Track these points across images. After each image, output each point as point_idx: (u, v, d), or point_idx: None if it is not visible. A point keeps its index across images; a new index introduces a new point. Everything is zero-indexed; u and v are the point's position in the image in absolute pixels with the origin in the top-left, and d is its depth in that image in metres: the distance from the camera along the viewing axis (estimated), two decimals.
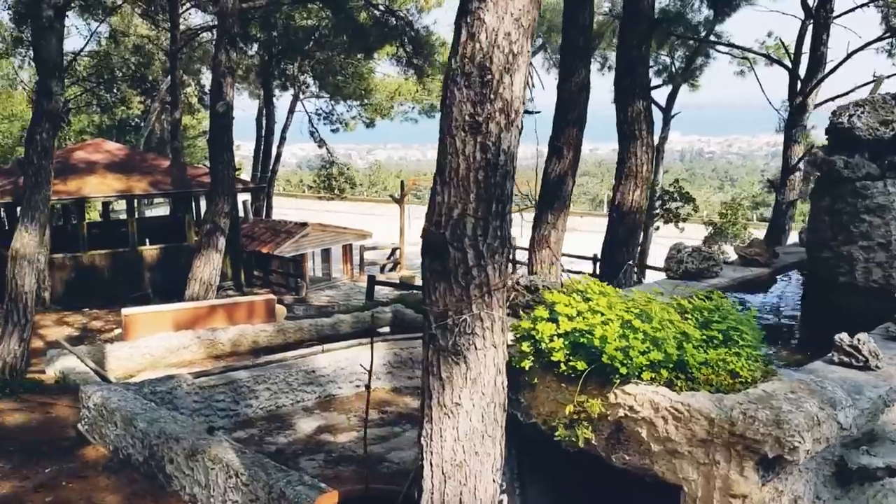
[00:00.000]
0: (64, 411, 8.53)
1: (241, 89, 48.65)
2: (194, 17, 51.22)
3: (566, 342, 3.36)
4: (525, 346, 3.52)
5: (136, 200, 20.51)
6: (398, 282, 24.59)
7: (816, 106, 18.84)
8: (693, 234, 25.96)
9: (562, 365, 3.37)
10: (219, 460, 5.54)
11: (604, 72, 26.79)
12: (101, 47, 37.47)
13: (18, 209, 20.19)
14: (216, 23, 32.82)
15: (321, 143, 37.59)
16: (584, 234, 45.51)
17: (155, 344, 11.94)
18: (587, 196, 68.61)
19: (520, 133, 3.20)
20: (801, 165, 18.72)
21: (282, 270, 22.61)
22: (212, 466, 5.59)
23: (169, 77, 35.02)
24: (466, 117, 3.07)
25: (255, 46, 35.49)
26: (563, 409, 3.42)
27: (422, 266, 3.30)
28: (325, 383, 8.71)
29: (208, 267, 16.60)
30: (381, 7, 20.88)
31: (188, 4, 30.98)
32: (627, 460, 3.35)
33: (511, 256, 22.89)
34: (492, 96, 3.05)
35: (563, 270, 10.64)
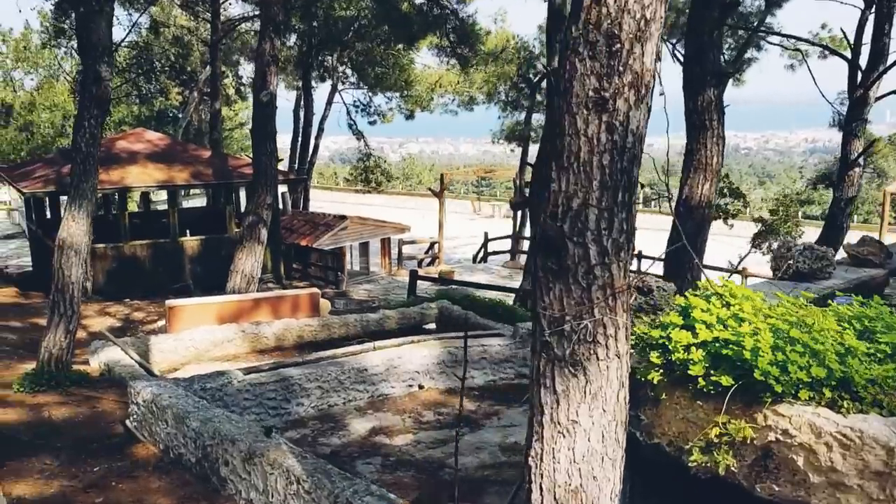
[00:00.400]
0: (110, 406, 8.30)
1: (279, 80, 48.64)
2: (234, 8, 51.10)
3: (705, 354, 2.95)
4: (654, 357, 3.12)
5: (177, 191, 20.37)
6: (437, 276, 24.27)
7: (877, 99, 18.07)
8: (742, 232, 25.25)
9: (700, 380, 2.97)
10: (278, 465, 5.22)
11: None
12: (140, 38, 37.66)
13: (62, 198, 20.21)
14: (257, 12, 32.81)
15: (359, 135, 37.39)
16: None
17: (199, 337, 11.72)
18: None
19: (649, 112, 2.79)
20: (861, 161, 18.03)
21: (321, 263, 22.39)
22: (271, 471, 5.27)
23: (208, 68, 35.07)
24: (590, 93, 2.67)
25: (294, 37, 35.41)
26: (695, 430, 3.02)
27: (532, 264, 2.92)
28: (377, 382, 8.38)
29: (251, 259, 16.42)
30: None
31: None
32: (776, 491, 2.93)
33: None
34: (620, 68, 2.65)
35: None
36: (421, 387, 8.59)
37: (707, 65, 8.83)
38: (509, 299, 15.57)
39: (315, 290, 13.41)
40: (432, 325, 13.46)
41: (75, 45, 35.65)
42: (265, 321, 12.39)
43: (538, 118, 29.13)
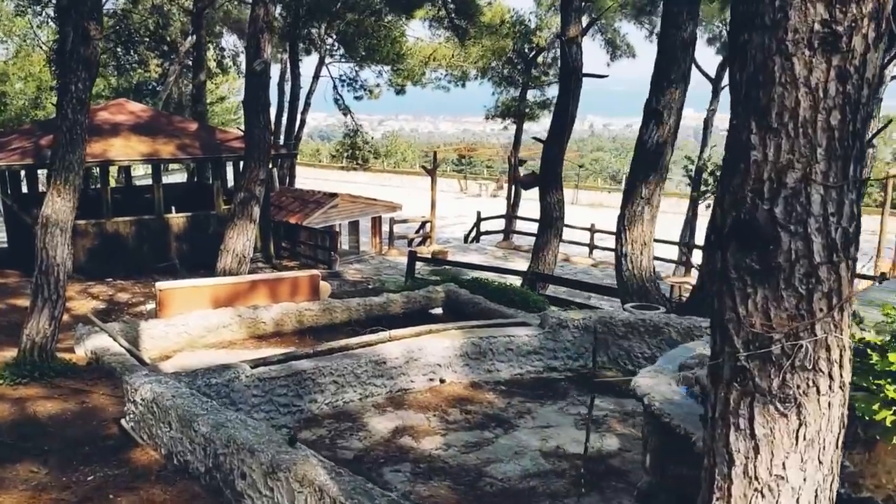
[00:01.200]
0: (101, 401, 7.51)
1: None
2: None
3: None
4: (891, 390, 2.42)
5: (161, 165, 19.41)
6: (430, 256, 23.56)
7: (893, 78, 17.46)
8: None
9: None
10: (308, 482, 4.48)
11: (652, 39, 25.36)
12: (118, 5, 36.28)
13: (41, 172, 19.16)
14: None
15: (346, 110, 36.38)
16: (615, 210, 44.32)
17: (193, 322, 10.92)
18: (607, 172, 67.05)
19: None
20: (875, 142, 17.46)
21: (312, 242, 21.55)
22: (299, 489, 4.54)
23: (189, 38, 33.86)
24: (816, 26, 1.93)
25: (279, 7, 34.19)
26: None
27: (708, 258, 2.19)
28: (395, 376, 7.66)
29: (242, 238, 15.56)
30: None
31: None
32: None
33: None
34: None
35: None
36: (442, 381, 7.88)
37: None
38: (506, 280, 14.87)
39: (315, 272, 12.62)
40: (438, 310, 12.74)
41: (52, 13, 34.30)
42: (263, 305, 11.59)
43: (534, 94, 28.37)
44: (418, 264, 24.70)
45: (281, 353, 7.90)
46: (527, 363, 8.13)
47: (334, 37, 30.44)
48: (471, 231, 29.88)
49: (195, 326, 10.93)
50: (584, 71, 13.50)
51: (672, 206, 43.96)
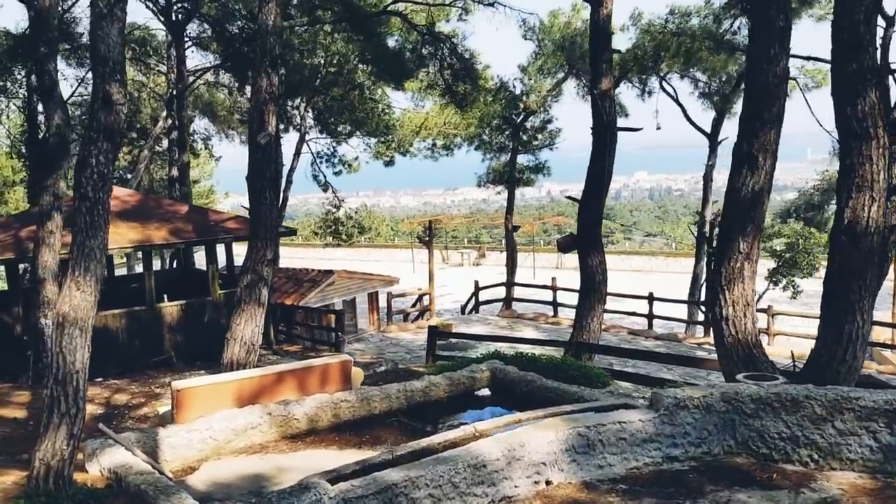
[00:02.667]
0: None
1: (234, 135, 46.70)
2: (190, 59, 49.12)
3: None
4: None
5: (152, 252, 18.10)
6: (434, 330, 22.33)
7: None
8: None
9: None
10: None
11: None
12: (87, 94, 35.29)
13: (22, 266, 17.68)
14: (217, 62, 30.82)
15: (326, 186, 35.60)
16: (630, 273, 43.44)
17: (217, 425, 9.55)
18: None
19: None
20: None
21: (314, 324, 20.22)
22: None
23: (160, 123, 32.95)
24: None
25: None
26: None
27: None
28: (497, 481, 6.39)
29: (250, 324, 14.29)
30: (422, 28, 18.87)
31: (188, 43, 28.90)
32: None
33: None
34: None
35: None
36: (549, 482, 6.62)
37: (865, 59, 7.30)
38: (544, 353, 13.69)
39: (346, 356, 11.33)
40: (485, 391, 11.50)
41: (16, 104, 33.12)
42: (294, 399, 10.26)
43: (527, 158, 27.76)
44: (423, 339, 23.46)
45: (354, 462, 6.59)
46: (642, 454, 6.92)
47: (316, 112, 29.70)
48: (468, 301, 28.75)
49: (221, 430, 9.55)
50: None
51: (659, 264, 43.48)
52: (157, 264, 39.97)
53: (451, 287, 40.56)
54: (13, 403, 13.24)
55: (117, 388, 14.42)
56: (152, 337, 17.18)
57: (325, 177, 34.53)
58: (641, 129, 13.68)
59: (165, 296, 17.78)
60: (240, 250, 34.63)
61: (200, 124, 43.38)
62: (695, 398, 6.98)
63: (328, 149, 35.98)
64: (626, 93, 25.29)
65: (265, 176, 14.31)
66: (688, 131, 26.04)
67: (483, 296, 29.17)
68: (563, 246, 13.86)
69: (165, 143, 42.54)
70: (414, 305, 27.81)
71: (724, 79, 24.44)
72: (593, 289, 13.27)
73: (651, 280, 39.99)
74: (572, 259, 49.56)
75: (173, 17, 24.34)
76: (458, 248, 53.38)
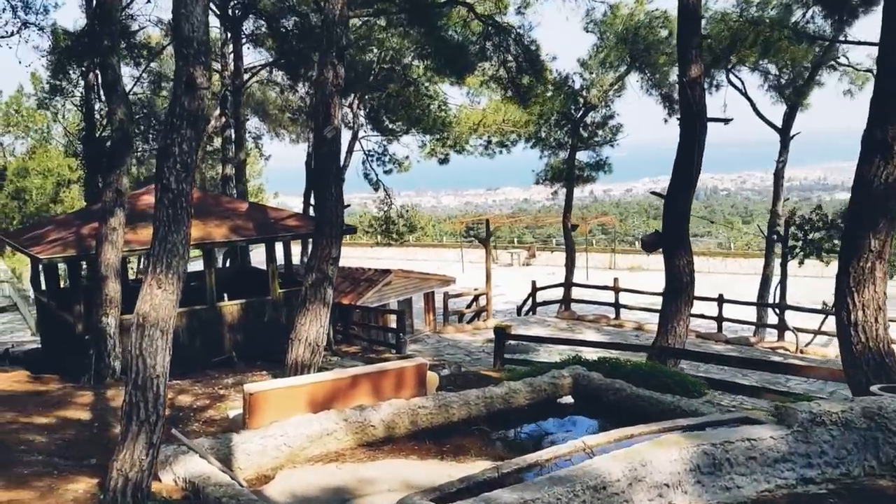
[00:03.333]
0: None
1: (284, 134, 46.66)
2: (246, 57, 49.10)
3: None
4: None
5: (214, 250, 17.78)
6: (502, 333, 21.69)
7: None
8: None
9: None
10: None
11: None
12: (142, 93, 35.42)
13: (84, 265, 17.46)
14: (271, 59, 30.59)
15: (377, 185, 35.28)
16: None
17: (293, 431, 9.07)
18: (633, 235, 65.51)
19: None
20: None
21: (373, 324, 19.74)
22: None
23: (214, 121, 32.88)
24: None
25: (305, 86, 33.27)
26: None
27: None
28: None
29: (315, 325, 13.86)
30: (487, 19, 18.23)
31: (243, 39, 28.71)
32: None
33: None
34: None
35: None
36: None
37: None
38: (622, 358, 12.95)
39: (422, 360, 10.78)
40: (567, 399, 10.84)
41: (74, 102, 33.35)
42: (369, 405, 9.72)
43: (588, 154, 26.95)
44: (481, 341, 22.85)
45: (458, 480, 6.00)
46: (774, 475, 6.21)
47: (368, 109, 29.30)
48: (524, 302, 28.03)
49: (296, 436, 9.07)
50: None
51: (718, 264, 42.09)
52: (197, 264, 40.07)
53: (503, 287, 39.84)
54: (76, 404, 12.96)
55: (180, 389, 14.06)
56: (213, 336, 16.87)
57: (376, 175, 34.18)
58: (731, 119, 12.88)
59: (225, 294, 17.45)
60: (296, 249, 34.27)
61: (251, 123, 43.41)
62: (833, 413, 6.25)
63: (379, 147, 35.61)
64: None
65: (331, 171, 13.86)
66: (734, 129, 25.13)
67: (539, 297, 28.46)
68: (648, 244, 13.12)
69: (217, 141, 42.64)
70: (469, 306, 27.20)
71: (796, 71, 23.36)
72: (681, 290, 12.49)
73: (708, 281, 38.79)
74: (624, 259, 48.27)
75: (229, 13, 24.09)
76: (508, 248, 52.60)
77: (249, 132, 42.98)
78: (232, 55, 24.76)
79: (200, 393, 13.67)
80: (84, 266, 17.49)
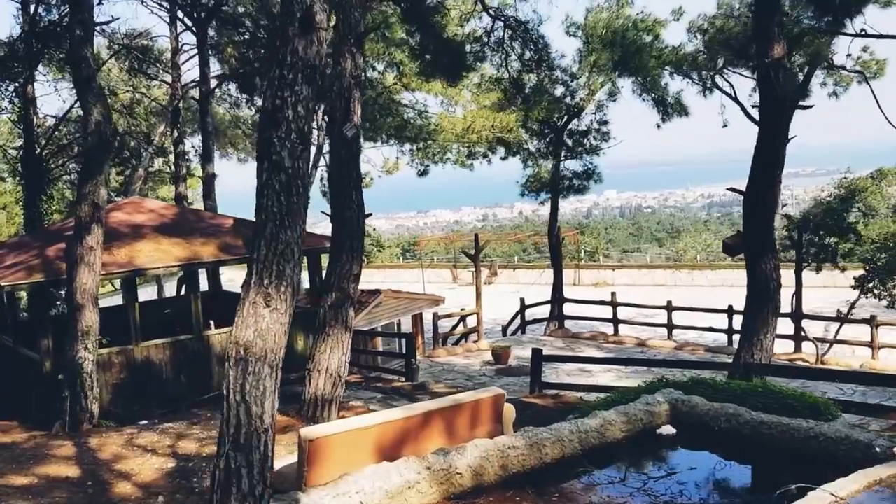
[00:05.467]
0: None
1: (232, 154, 44.29)
2: (190, 71, 46.62)
3: None
4: None
5: (198, 272, 15.70)
6: (540, 355, 20.17)
7: None
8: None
9: None
10: None
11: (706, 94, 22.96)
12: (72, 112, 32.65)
13: (57, 289, 15.07)
14: (230, 70, 28.48)
15: None
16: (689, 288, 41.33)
17: (368, 486, 7.24)
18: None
19: None
20: None
21: (368, 349, 17.91)
22: None
23: (156, 136, 30.70)
24: None
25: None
26: None
27: None
28: None
29: (337, 352, 12.09)
30: (492, 11, 16.78)
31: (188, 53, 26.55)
32: None
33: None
34: None
35: None
36: None
37: None
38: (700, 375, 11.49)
39: (499, 390, 9.08)
40: (668, 430, 9.27)
41: (9, 118, 30.50)
42: (452, 449, 7.98)
43: (573, 164, 25.73)
44: (478, 364, 21.21)
45: None
46: None
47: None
48: (511, 321, 26.52)
49: (373, 492, 7.23)
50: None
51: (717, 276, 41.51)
52: (147, 293, 37.17)
53: (469, 306, 38.34)
54: (56, 458, 10.78)
55: (176, 433, 11.98)
56: (199, 370, 14.81)
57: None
58: (813, 106, 11.74)
59: (212, 322, 15.39)
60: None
61: (193, 141, 40.92)
62: None
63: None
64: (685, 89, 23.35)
65: (351, 176, 12.14)
66: (652, 149, 24.41)
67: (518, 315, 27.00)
68: (732, 247, 11.78)
69: (157, 162, 39.92)
70: (455, 327, 25.54)
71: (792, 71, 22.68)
72: (768, 298, 11.15)
73: (678, 293, 38.14)
74: (589, 274, 47.08)
75: (194, 15, 22.08)
76: (468, 267, 51.15)
77: (194, 149, 40.60)
78: (197, 60, 22.67)
79: (204, 438, 11.62)
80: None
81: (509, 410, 9.17)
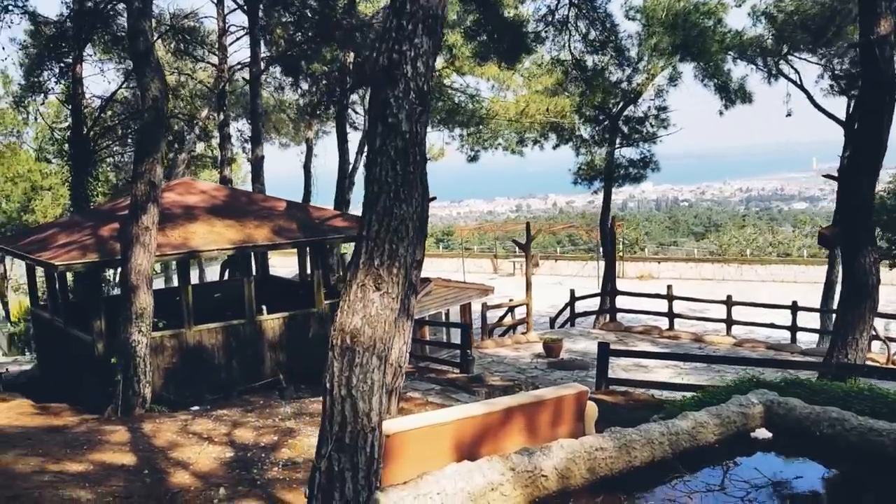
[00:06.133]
0: None
1: (274, 139, 44.05)
2: (237, 54, 46.41)
3: None
4: None
5: (252, 255, 15.30)
6: (607, 349, 19.54)
7: None
8: None
9: None
10: None
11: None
12: (124, 94, 32.53)
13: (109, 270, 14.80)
14: (283, 53, 28.09)
15: None
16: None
17: (450, 486, 6.63)
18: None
19: None
20: None
21: (422, 339, 17.41)
22: None
23: (201, 118, 30.46)
24: None
25: (309, 82, 30.84)
26: None
27: None
28: None
29: (398, 341, 11.51)
30: None
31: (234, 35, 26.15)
32: None
33: None
34: None
35: None
36: None
37: None
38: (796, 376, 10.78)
39: (582, 387, 8.49)
40: (763, 433, 8.58)
41: (58, 98, 30.49)
42: (537, 449, 7.41)
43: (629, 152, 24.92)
44: (528, 356, 20.61)
45: None
46: None
47: None
48: (560, 312, 25.86)
49: (454, 494, 6.62)
50: None
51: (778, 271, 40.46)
52: (196, 275, 37.01)
53: (512, 296, 37.74)
54: (111, 444, 10.42)
55: (233, 422, 11.56)
56: (252, 356, 14.41)
57: None
58: None
59: (264, 307, 14.99)
60: (276, 260, 31.50)
61: (236, 125, 40.71)
62: None
63: None
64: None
65: (417, 153, 11.52)
66: (689, 142, 23.45)
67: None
68: (830, 238, 11.03)
69: (199, 146, 39.78)
70: (503, 318, 24.93)
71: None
72: (865, 294, 10.37)
73: (727, 288, 37.14)
74: (632, 268, 46.11)
75: None
76: (509, 257, 50.50)
77: (239, 133, 40.48)
78: (244, 42, 22.30)
79: (261, 427, 11.20)
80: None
81: (592, 409, 8.57)
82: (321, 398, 12.56)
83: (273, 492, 8.36)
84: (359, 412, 3.96)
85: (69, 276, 15.68)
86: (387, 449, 7.30)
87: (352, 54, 25.56)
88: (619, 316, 25.22)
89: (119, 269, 13.66)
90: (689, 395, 13.03)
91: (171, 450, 10.10)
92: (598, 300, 26.27)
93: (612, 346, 21.71)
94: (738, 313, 22.25)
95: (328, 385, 4.10)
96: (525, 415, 8.03)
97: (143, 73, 11.94)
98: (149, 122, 11.93)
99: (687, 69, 22.93)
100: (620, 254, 46.60)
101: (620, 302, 25.41)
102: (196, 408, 13.00)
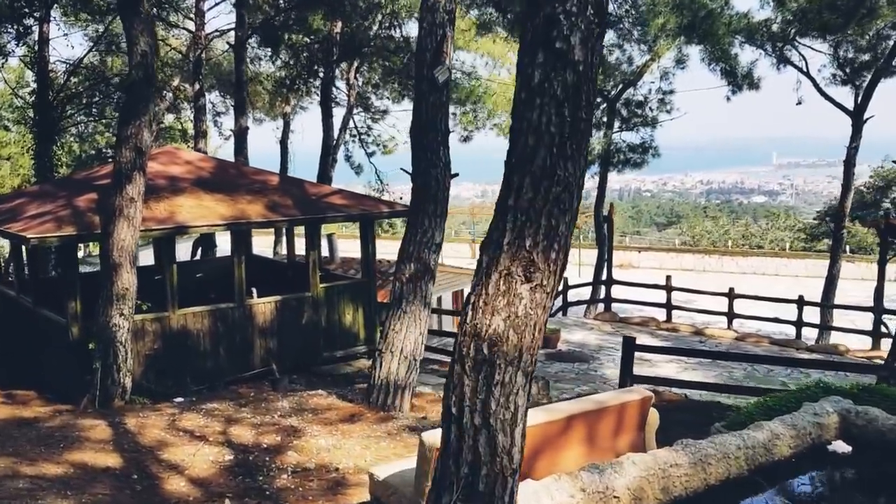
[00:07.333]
0: None
1: (248, 112, 42.38)
2: (214, 20, 44.54)
3: None
4: None
5: (241, 231, 14.03)
6: (632, 343, 18.46)
7: None
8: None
9: None
10: None
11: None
12: (93, 56, 30.65)
13: (109, 243, 13.47)
14: (266, 20, 26.55)
15: (358, 170, 32.15)
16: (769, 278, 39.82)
17: None
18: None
19: None
20: None
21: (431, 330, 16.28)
22: None
23: (168, 95, 28.87)
24: None
25: (286, 55, 29.43)
26: None
27: None
28: None
29: (413, 332, 10.52)
30: None
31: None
32: None
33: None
34: None
35: None
36: None
37: None
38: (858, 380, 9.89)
39: (647, 392, 7.47)
40: (840, 446, 7.70)
41: (22, 60, 28.57)
42: (608, 465, 6.39)
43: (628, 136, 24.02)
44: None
45: None
46: None
47: (373, 76, 25.76)
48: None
49: None
50: None
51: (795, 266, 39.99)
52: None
53: None
54: (92, 442, 9.19)
55: (226, 417, 10.38)
56: (240, 342, 13.19)
57: (369, 157, 30.76)
58: None
59: (254, 290, 13.77)
60: (258, 239, 30.20)
61: (211, 97, 38.88)
62: None
63: (363, 125, 32.22)
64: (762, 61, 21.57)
65: (438, 129, 10.46)
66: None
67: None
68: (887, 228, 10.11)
69: (169, 117, 37.88)
70: None
71: (871, 44, 20.96)
72: None
73: (708, 280, 36.65)
74: (588, 254, 45.40)
75: None
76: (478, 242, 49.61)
77: (212, 105, 38.78)
78: (222, 8, 20.83)
79: (259, 424, 10.03)
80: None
81: (654, 417, 7.58)
82: (321, 392, 11.29)
83: None
84: (498, 448, 2.89)
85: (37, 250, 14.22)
86: (435, 458, 6.25)
87: (339, 24, 24.21)
88: (614, 306, 24.39)
89: (94, 245, 12.28)
90: (695, 393, 12.22)
91: (160, 450, 8.91)
92: (588, 289, 25.43)
93: (610, 338, 20.96)
94: (738, 307, 21.58)
95: (455, 410, 3.00)
96: (587, 423, 6.99)
97: (131, 24, 10.61)
98: (137, 80, 10.61)
99: (693, 52, 22.07)
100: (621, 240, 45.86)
101: (615, 292, 24.58)
102: (180, 399, 11.79)
